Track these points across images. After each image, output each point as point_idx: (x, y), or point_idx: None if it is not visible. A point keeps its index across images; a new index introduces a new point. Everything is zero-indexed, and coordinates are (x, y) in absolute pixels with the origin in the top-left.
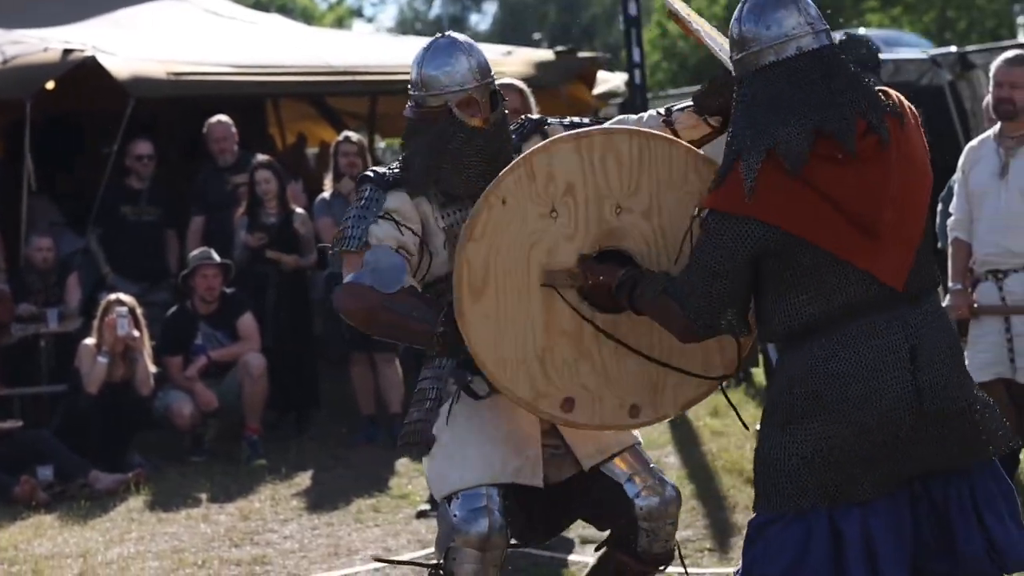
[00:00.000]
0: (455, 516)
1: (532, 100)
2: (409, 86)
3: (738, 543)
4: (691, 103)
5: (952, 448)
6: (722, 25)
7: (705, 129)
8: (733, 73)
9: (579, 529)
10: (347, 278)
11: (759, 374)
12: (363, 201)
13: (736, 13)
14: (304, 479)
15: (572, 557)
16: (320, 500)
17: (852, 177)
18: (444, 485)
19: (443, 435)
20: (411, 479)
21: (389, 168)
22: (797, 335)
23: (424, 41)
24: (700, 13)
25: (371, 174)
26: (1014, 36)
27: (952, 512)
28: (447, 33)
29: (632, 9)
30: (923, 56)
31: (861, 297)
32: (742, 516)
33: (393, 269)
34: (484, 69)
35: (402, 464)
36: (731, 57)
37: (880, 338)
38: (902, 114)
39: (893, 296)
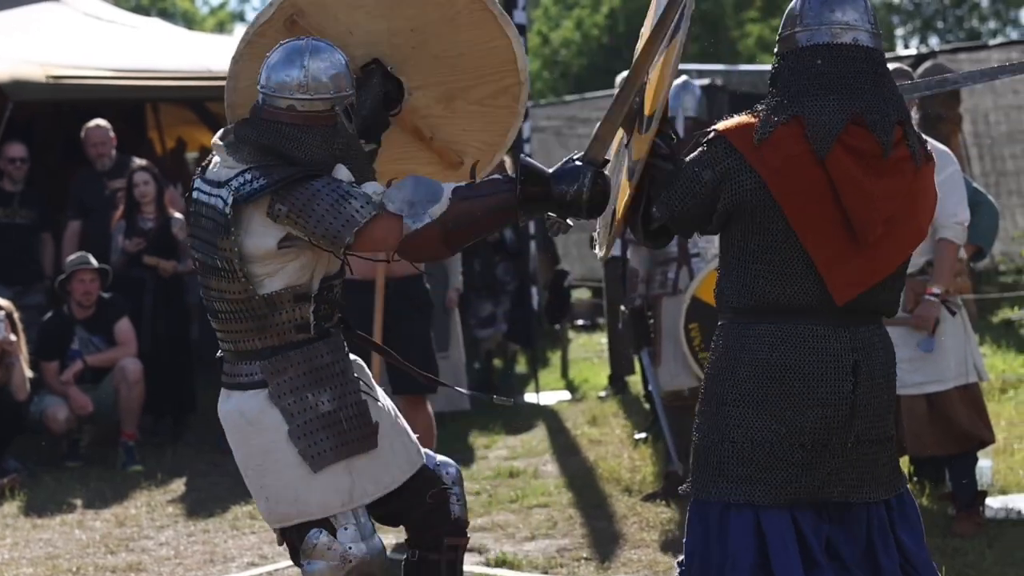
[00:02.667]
0: (350, 546)
1: None
2: (270, 86)
3: (617, 552)
4: None
5: (869, 479)
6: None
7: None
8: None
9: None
10: (404, 230)
11: (636, 383)
12: (320, 192)
13: None
14: (180, 485)
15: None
16: (196, 507)
17: (867, 178)
18: (361, 495)
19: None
20: None
21: (269, 175)
22: (747, 312)
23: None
24: (581, 22)
25: (294, 175)
26: (893, 48)
27: (874, 533)
28: (315, 39)
29: (519, 17)
30: None
31: (819, 297)
32: (620, 525)
33: (429, 192)
34: (353, 79)
35: None
36: (780, 33)
37: (826, 343)
38: (930, 155)
39: (839, 307)
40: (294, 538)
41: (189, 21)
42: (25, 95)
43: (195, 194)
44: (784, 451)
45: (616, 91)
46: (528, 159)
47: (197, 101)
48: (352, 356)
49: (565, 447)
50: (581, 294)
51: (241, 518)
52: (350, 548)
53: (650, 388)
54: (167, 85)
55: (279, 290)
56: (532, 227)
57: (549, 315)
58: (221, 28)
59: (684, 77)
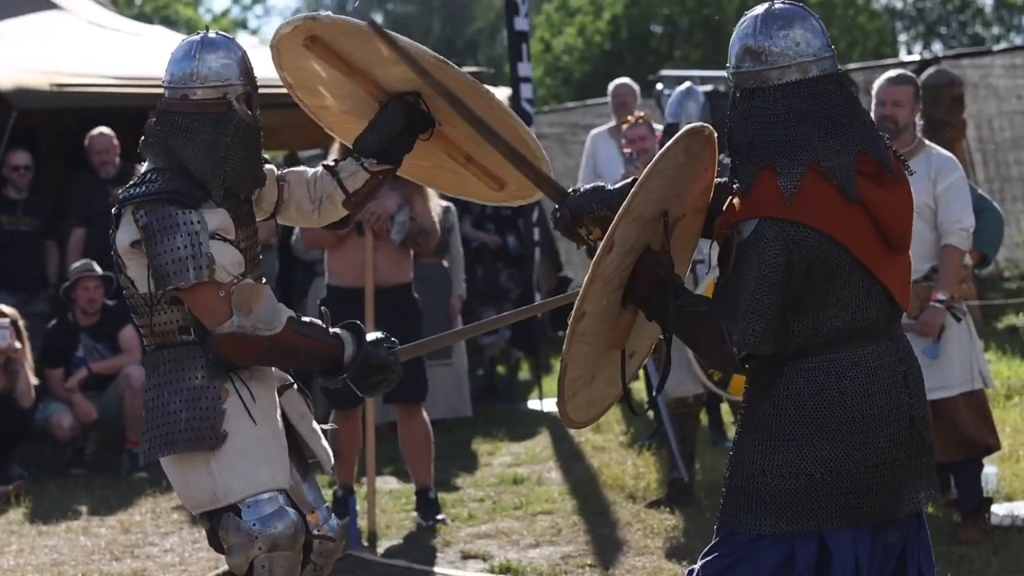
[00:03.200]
0: (254, 524)
1: None
2: (169, 79)
3: (621, 559)
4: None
5: (925, 486)
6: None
7: (364, 176)
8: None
9: (462, 544)
10: (227, 327)
11: (640, 390)
12: (176, 227)
13: (752, 23)
14: None
15: (439, 570)
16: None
17: (889, 195)
18: (227, 493)
19: (232, 437)
20: None
21: (160, 182)
22: (810, 350)
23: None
24: (583, 29)
25: (162, 195)
26: (896, 54)
27: (908, 549)
28: (215, 31)
29: (521, 24)
30: None
31: (876, 315)
32: (624, 532)
33: (272, 310)
34: (252, 69)
35: None
36: (737, 68)
37: (883, 359)
38: (905, 170)
39: (895, 317)
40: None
41: (192, 29)
42: (29, 103)
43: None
44: (859, 475)
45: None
46: (370, 340)
47: None
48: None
49: (569, 454)
50: None
51: None
52: (254, 526)
53: (654, 395)
54: None
55: (154, 291)
56: (536, 234)
57: (552, 322)
58: None
59: (688, 84)
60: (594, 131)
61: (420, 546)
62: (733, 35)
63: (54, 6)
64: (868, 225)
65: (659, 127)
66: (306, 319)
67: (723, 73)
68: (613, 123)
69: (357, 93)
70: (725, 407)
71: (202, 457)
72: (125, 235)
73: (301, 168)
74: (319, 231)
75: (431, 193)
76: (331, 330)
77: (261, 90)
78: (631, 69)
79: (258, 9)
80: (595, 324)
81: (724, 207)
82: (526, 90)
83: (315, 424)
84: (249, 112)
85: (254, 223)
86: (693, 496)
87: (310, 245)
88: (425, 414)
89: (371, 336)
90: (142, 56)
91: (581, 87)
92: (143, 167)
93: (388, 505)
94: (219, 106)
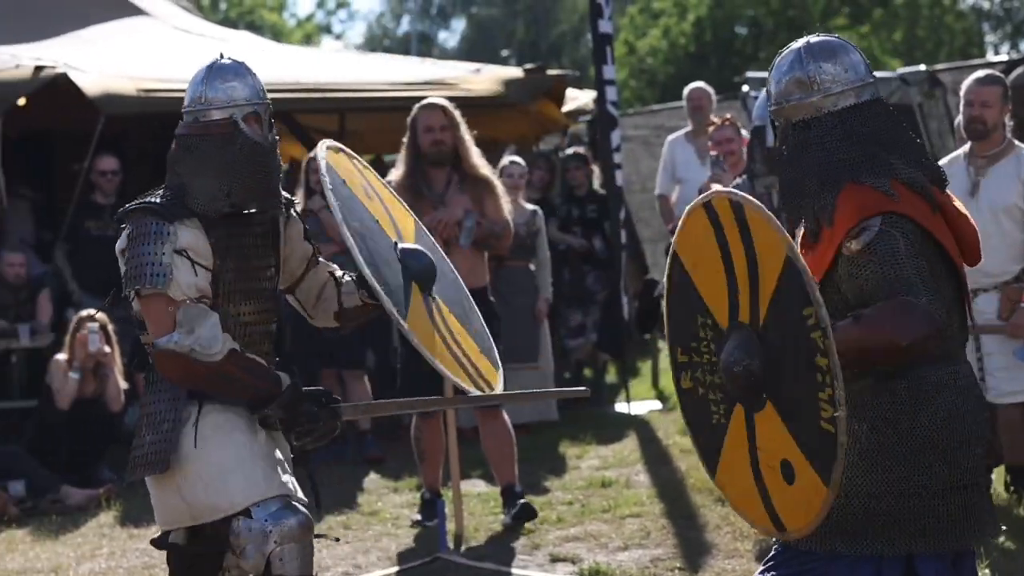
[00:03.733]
0: (265, 520)
1: (458, 117)
2: (185, 105)
3: (711, 562)
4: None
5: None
6: (687, 43)
7: (357, 301)
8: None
9: (550, 547)
10: (163, 341)
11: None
12: (148, 236)
13: (795, 56)
14: None
15: (528, 573)
16: None
17: (953, 212)
18: (220, 507)
19: (196, 460)
20: (380, 496)
21: (158, 197)
22: (904, 368)
23: (392, 57)
24: (668, 31)
25: (148, 206)
26: (983, 54)
27: None
28: (228, 56)
29: (605, 27)
30: (892, 74)
31: (958, 330)
32: (713, 535)
33: (213, 337)
34: (263, 92)
35: (371, 481)
36: (785, 101)
37: (970, 379)
38: None
39: (966, 335)
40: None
41: (277, 34)
42: (116, 108)
43: None
44: (948, 497)
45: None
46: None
47: (286, 113)
48: None
49: (657, 457)
50: None
51: (335, 528)
52: (266, 522)
53: None
54: None
55: (138, 311)
56: (623, 236)
57: (639, 325)
58: (308, 40)
59: None
60: (671, 136)
61: (508, 549)
62: (772, 72)
63: (141, 12)
64: (951, 234)
65: (745, 132)
66: (247, 355)
67: None
68: (690, 128)
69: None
70: None
71: (173, 477)
72: (119, 243)
73: (335, 266)
74: None
75: (502, 192)
76: (272, 371)
77: (346, 94)
78: (715, 71)
79: (342, 14)
80: None
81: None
82: (611, 93)
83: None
84: (259, 131)
85: (265, 258)
86: None
87: None
88: (504, 413)
89: (312, 389)
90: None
91: (665, 89)
92: None
93: (476, 508)
94: (225, 127)
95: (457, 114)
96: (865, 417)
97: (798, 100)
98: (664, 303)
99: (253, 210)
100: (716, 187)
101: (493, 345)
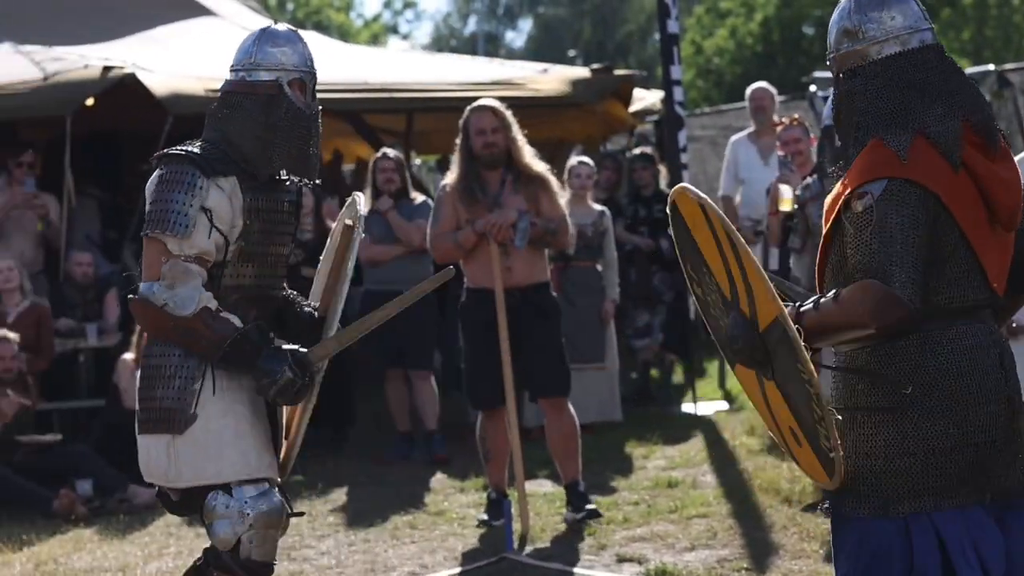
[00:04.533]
0: (245, 502)
1: (509, 117)
2: (233, 64)
3: (778, 563)
4: None
5: (1018, 474)
6: (755, 43)
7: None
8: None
9: (617, 547)
10: (144, 288)
11: None
12: (182, 184)
13: (847, 5)
14: (340, 495)
15: (594, 573)
16: (356, 516)
17: (998, 168)
18: (205, 475)
19: (199, 421)
20: (447, 496)
21: (198, 148)
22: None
23: (459, 58)
24: (735, 31)
25: (189, 155)
26: None
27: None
28: (282, 24)
29: (672, 27)
30: None
31: (974, 299)
32: (780, 535)
33: (189, 297)
34: (311, 61)
35: (438, 481)
36: (836, 51)
37: (978, 339)
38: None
39: (990, 300)
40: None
41: (344, 34)
42: (184, 108)
43: None
44: (959, 453)
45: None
46: (262, 327)
47: (353, 113)
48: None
49: (723, 458)
50: None
51: (401, 528)
52: (245, 504)
53: None
54: (323, 97)
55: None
56: None
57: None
58: (375, 41)
59: None
60: (734, 137)
61: (574, 549)
62: (830, 23)
63: (209, 12)
64: (975, 197)
65: (814, 132)
66: (223, 314)
67: None
68: (752, 128)
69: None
70: None
71: (170, 438)
72: (149, 184)
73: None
74: (446, 244)
75: (557, 188)
76: (239, 326)
77: (413, 94)
78: (783, 71)
79: (409, 14)
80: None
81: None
82: (678, 93)
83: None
84: (303, 98)
85: (288, 225)
86: None
87: (440, 259)
88: (571, 408)
89: (285, 345)
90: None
91: (732, 89)
92: None
93: (542, 508)
94: (271, 88)
95: (508, 114)
96: (868, 375)
97: (847, 49)
98: (672, 230)
99: (289, 175)
100: (784, 188)
101: None
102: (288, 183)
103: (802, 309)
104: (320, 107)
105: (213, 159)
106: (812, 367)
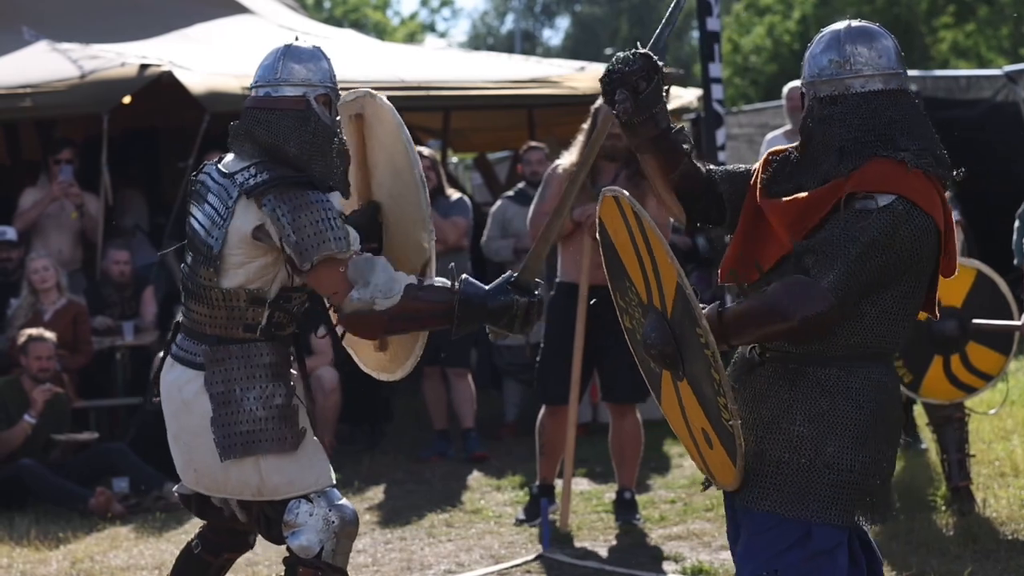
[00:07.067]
0: (330, 510)
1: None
2: (255, 80)
3: None
4: None
5: None
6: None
7: None
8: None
9: (653, 546)
10: (346, 305)
11: None
12: (312, 205)
13: (833, 35)
14: (377, 493)
15: (630, 571)
16: (393, 514)
17: (949, 218)
18: (304, 484)
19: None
20: (484, 494)
21: (271, 172)
22: (874, 354)
23: (496, 56)
24: (772, 28)
25: (292, 179)
26: None
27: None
28: (304, 40)
29: (713, 24)
30: (998, 72)
31: (900, 338)
32: None
33: (388, 282)
34: (334, 78)
35: (474, 479)
36: (819, 75)
37: (895, 383)
38: None
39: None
40: (268, 512)
41: (381, 32)
42: (221, 107)
43: (203, 176)
44: (888, 469)
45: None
46: (468, 279)
47: None
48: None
49: None
50: None
51: (438, 526)
52: (329, 511)
53: None
54: None
55: (237, 287)
56: (728, 237)
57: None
58: (412, 39)
59: None
60: (769, 135)
61: (611, 547)
62: (810, 49)
63: (246, 10)
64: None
65: None
66: (427, 282)
67: (915, 73)
68: (789, 127)
69: (359, 184)
70: (919, 409)
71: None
72: (245, 222)
73: None
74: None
75: None
76: (448, 284)
77: (450, 92)
78: None
79: (446, 12)
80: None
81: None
82: (716, 91)
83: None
84: (328, 113)
85: None
86: (887, 498)
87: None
88: (639, 415)
89: (488, 285)
90: (332, 59)
91: (770, 87)
92: (225, 159)
93: (579, 506)
94: (298, 103)
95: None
96: (844, 393)
97: (830, 76)
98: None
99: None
100: None
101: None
102: None
103: (725, 307)
104: (341, 127)
105: (301, 177)
106: (708, 327)
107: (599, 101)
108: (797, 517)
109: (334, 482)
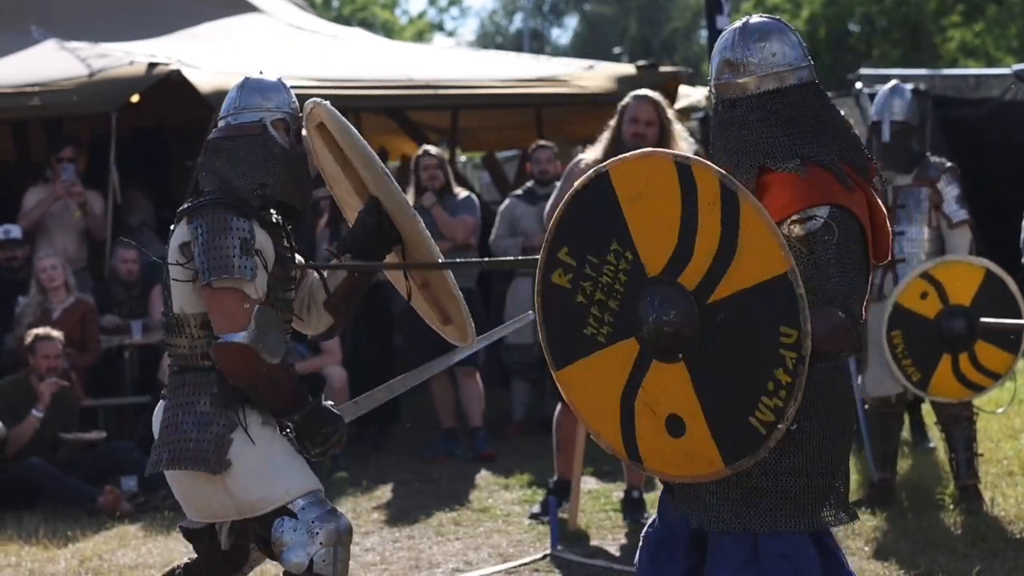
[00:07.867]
0: (313, 520)
1: (670, 114)
2: (220, 115)
3: None
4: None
5: None
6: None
7: (342, 273)
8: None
9: None
10: (238, 336)
11: None
12: (230, 230)
13: (730, 36)
14: (385, 492)
15: None
16: (401, 513)
17: (875, 205)
18: (274, 498)
19: (244, 457)
20: (492, 492)
21: (209, 196)
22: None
23: (504, 54)
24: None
25: (223, 202)
26: None
27: None
28: (263, 73)
29: (723, 23)
30: (1007, 71)
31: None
32: None
33: (280, 341)
34: (294, 104)
35: (482, 478)
36: (718, 79)
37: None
38: None
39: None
40: (258, 531)
41: (389, 31)
42: None
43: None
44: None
45: None
46: (326, 406)
47: (398, 110)
48: None
49: None
50: None
51: (446, 524)
52: (313, 523)
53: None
54: (368, 94)
55: (181, 311)
56: None
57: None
58: (420, 37)
59: (894, 81)
60: None
61: (620, 546)
62: (714, 49)
63: (255, 9)
64: (866, 221)
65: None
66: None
67: (924, 72)
68: None
69: (352, 186)
70: (927, 407)
71: (214, 476)
72: (176, 238)
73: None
74: None
75: None
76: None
77: (458, 91)
78: (828, 68)
79: (454, 11)
80: None
81: None
82: None
83: None
84: (286, 138)
85: (291, 267)
86: (895, 497)
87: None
88: None
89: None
90: (340, 58)
91: None
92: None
93: (587, 505)
94: (254, 128)
95: (670, 112)
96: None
97: (727, 79)
98: (563, 206)
99: (290, 214)
100: None
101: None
102: (285, 225)
103: None
104: (306, 153)
105: (239, 203)
106: (810, 341)
107: (628, 97)
108: (745, 529)
109: (314, 488)
